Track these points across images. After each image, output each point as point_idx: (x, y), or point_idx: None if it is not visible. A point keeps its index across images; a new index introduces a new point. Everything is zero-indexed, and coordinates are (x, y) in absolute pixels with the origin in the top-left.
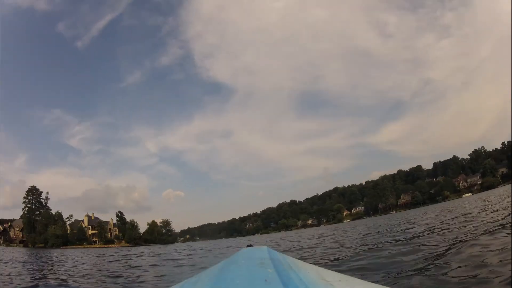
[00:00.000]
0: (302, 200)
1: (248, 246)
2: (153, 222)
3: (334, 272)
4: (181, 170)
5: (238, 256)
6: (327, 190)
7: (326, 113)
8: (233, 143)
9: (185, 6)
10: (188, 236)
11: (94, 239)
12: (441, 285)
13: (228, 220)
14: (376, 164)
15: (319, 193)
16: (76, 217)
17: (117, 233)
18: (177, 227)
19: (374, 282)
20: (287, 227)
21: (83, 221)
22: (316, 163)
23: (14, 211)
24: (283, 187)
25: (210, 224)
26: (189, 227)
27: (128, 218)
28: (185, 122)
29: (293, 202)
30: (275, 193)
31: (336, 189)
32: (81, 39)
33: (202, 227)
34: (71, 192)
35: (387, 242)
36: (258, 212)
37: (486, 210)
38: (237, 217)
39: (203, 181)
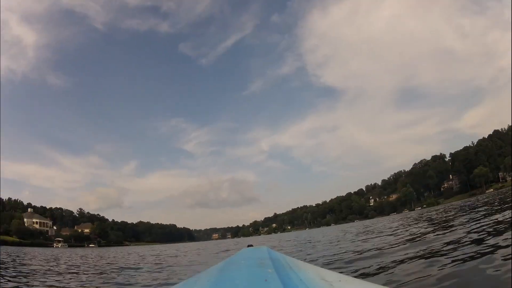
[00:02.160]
0: (452, 152)
1: (248, 246)
2: None
3: (334, 272)
4: (287, 164)
5: (238, 256)
6: (459, 149)
7: (418, 105)
8: (338, 136)
9: (300, 25)
10: (275, 225)
11: None
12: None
13: (332, 199)
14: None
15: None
16: None
17: None
18: (261, 216)
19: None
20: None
21: None
22: (411, 149)
23: (106, 211)
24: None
25: (304, 207)
26: (275, 213)
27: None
28: (298, 121)
29: (438, 157)
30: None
31: (466, 148)
32: (206, 57)
33: (294, 211)
34: (176, 190)
35: None
36: (386, 178)
37: None
38: (350, 192)
39: (305, 173)
